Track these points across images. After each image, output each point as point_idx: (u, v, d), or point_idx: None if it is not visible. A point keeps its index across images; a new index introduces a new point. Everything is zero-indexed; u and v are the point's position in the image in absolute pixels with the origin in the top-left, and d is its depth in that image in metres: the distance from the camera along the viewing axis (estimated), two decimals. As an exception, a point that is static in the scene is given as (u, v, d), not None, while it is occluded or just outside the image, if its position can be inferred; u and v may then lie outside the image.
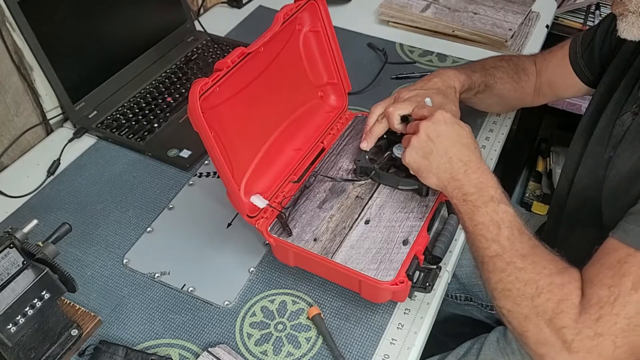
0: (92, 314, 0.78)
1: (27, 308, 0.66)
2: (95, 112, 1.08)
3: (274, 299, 0.80)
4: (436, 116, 0.75)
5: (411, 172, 0.79)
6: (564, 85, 1.00)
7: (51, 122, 1.08)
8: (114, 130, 1.05)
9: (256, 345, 0.75)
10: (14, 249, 0.66)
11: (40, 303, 0.67)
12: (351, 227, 0.79)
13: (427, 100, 0.83)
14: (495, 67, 0.99)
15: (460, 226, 0.84)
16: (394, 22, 1.33)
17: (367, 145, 0.86)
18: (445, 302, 1.12)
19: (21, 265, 0.67)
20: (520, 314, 0.65)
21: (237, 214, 0.89)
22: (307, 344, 0.75)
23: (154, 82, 1.15)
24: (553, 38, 1.47)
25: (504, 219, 0.69)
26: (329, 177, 0.86)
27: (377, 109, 0.87)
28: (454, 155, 0.73)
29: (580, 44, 0.96)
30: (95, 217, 0.92)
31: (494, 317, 1.07)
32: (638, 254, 0.60)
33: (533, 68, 1.02)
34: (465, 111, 1.11)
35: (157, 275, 0.83)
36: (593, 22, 1.58)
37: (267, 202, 0.79)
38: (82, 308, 0.78)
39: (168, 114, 1.09)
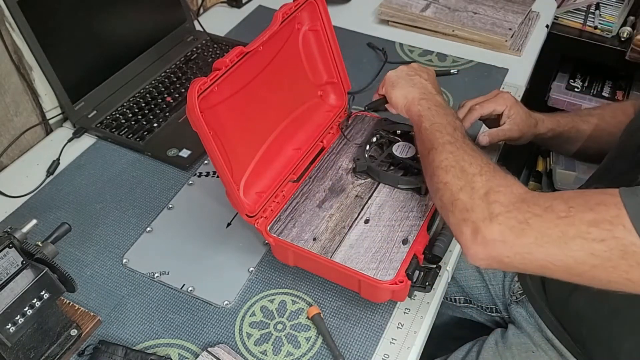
0: (92, 313, 0.77)
1: (27, 308, 0.66)
2: (95, 111, 1.08)
3: (274, 299, 0.80)
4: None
5: (389, 87, 0.85)
6: None
7: (51, 122, 1.08)
8: (114, 130, 1.05)
9: (256, 345, 0.75)
10: (13, 248, 0.66)
11: (39, 303, 0.67)
12: (351, 227, 0.79)
13: None
14: (590, 113, 0.98)
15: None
16: (394, 22, 1.32)
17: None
18: (445, 305, 1.12)
19: (20, 265, 0.66)
20: (456, 185, 0.67)
21: (237, 213, 0.89)
22: (307, 343, 0.75)
23: (153, 82, 1.15)
24: (553, 38, 1.48)
25: (460, 127, 0.75)
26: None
27: (469, 102, 0.94)
28: (427, 84, 0.83)
29: None
30: (95, 217, 0.91)
31: (493, 320, 1.07)
32: (619, 211, 0.58)
33: (632, 110, 0.96)
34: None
35: (156, 275, 0.83)
36: (593, 22, 1.59)
37: None
38: (82, 308, 0.78)
39: (167, 114, 1.09)
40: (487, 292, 1.05)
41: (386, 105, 0.88)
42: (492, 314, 1.06)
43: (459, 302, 1.10)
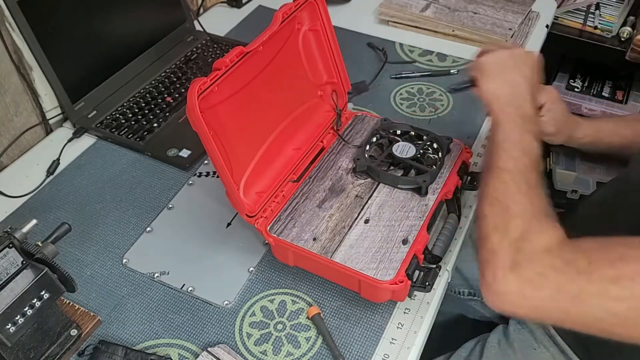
0: (92, 313, 0.77)
1: (27, 308, 0.66)
2: (95, 111, 1.08)
3: (274, 299, 0.80)
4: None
5: (481, 74, 0.80)
6: None
7: (51, 122, 1.08)
8: (114, 130, 1.05)
9: (256, 345, 0.75)
10: (13, 248, 0.66)
11: (39, 303, 0.67)
12: (351, 227, 0.79)
13: None
14: (637, 119, 0.98)
15: (460, 225, 0.85)
16: (394, 22, 1.32)
17: None
18: (449, 298, 1.11)
19: (20, 265, 0.66)
20: (493, 222, 0.67)
21: (237, 213, 0.88)
22: (307, 343, 0.75)
23: (153, 82, 1.15)
24: (553, 38, 1.47)
25: (530, 151, 0.71)
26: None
27: None
28: (523, 83, 0.77)
29: None
30: (95, 217, 0.91)
31: (496, 314, 1.07)
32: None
33: None
34: (466, 107, 1.12)
35: (156, 275, 0.83)
36: (593, 22, 1.59)
37: None
38: (82, 308, 0.78)
39: (167, 114, 1.09)
40: None
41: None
42: None
43: (463, 295, 1.10)
